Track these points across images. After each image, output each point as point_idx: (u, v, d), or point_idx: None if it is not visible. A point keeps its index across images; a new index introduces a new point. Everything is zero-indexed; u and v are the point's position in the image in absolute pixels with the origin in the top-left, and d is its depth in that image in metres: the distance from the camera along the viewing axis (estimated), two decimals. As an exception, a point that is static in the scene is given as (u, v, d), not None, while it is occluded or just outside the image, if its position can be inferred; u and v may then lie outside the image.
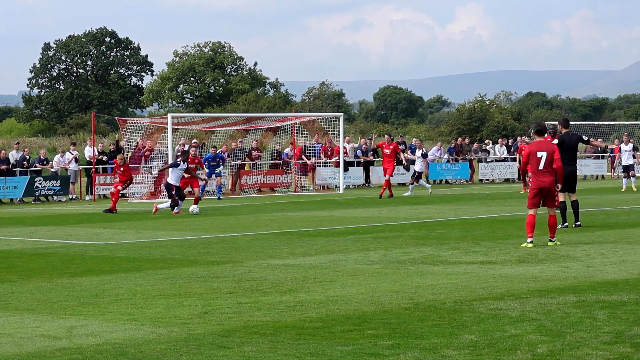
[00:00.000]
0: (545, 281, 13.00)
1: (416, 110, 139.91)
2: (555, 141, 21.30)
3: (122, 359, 8.63)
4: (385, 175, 36.27)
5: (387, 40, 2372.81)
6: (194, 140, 40.21)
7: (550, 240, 17.63)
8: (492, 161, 51.21)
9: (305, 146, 43.70)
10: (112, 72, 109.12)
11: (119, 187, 30.74)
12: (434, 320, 10.21)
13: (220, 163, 38.50)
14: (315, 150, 44.24)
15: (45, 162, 40.15)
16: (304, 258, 16.31)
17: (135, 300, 12.00)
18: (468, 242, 18.30)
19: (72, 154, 41.07)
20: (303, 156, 43.13)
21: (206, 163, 36.58)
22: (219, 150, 42.57)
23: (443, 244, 18.19)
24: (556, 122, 23.84)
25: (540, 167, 17.59)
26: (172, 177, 28.37)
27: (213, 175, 38.06)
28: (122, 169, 31.15)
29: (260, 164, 43.21)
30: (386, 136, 38.22)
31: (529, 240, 17.37)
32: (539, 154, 17.61)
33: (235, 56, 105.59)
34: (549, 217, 17.64)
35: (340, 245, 18.35)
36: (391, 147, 36.77)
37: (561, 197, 20.98)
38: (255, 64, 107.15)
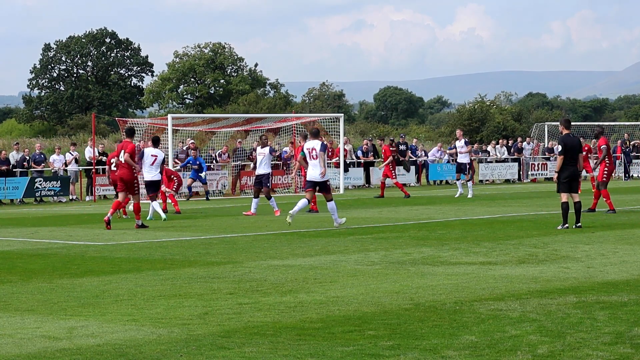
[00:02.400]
0: (545, 282, 13.00)
1: (416, 111, 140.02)
2: (559, 148, 21.40)
3: (123, 359, 8.63)
4: (391, 177, 36.57)
5: (387, 41, 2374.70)
6: (191, 142, 40.21)
7: None
8: (492, 162, 51.21)
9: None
10: (112, 72, 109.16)
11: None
12: (434, 320, 10.21)
13: (202, 168, 37.07)
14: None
15: (42, 157, 40.14)
16: (304, 259, 16.31)
17: (135, 301, 12.00)
18: (468, 243, 18.29)
19: (72, 155, 41.08)
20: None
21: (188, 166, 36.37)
22: (219, 150, 42.58)
23: (443, 244, 18.19)
24: (601, 123, 24.23)
25: None
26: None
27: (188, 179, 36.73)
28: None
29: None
30: (388, 139, 37.55)
31: None
32: None
33: (236, 57, 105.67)
34: None
35: (341, 245, 18.35)
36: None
37: (563, 197, 21.01)
38: (256, 64, 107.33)
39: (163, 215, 26.10)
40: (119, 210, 26.34)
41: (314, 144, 23.09)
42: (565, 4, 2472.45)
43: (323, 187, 23.02)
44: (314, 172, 23.05)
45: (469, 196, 34.82)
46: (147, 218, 25.86)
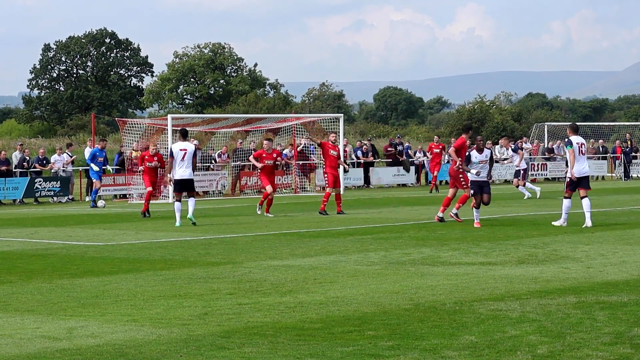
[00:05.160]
0: (545, 282, 13.01)
1: (416, 111, 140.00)
2: None
3: (122, 359, 8.63)
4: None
5: (387, 41, 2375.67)
6: (195, 142, 40.19)
7: None
8: (492, 162, 51.17)
9: (302, 145, 43.46)
10: (112, 73, 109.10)
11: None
12: (434, 321, 10.21)
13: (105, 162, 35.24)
14: (312, 149, 44.14)
15: (44, 162, 40.15)
16: (304, 259, 16.31)
17: (135, 301, 12.00)
18: (468, 243, 18.30)
19: (70, 156, 41.05)
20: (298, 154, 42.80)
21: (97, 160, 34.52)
22: (219, 151, 42.47)
23: (443, 245, 18.19)
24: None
25: None
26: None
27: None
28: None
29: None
30: (332, 135, 29.09)
31: None
32: None
33: (235, 57, 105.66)
34: None
35: (340, 246, 18.35)
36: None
37: None
38: (256, 65, 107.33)
39: (178, 222, 24.16)
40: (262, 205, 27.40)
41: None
42: (565, 4, 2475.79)
43: (585, 183, 21.89)
44: (582, 167, 21.71)
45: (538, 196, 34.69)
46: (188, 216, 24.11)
